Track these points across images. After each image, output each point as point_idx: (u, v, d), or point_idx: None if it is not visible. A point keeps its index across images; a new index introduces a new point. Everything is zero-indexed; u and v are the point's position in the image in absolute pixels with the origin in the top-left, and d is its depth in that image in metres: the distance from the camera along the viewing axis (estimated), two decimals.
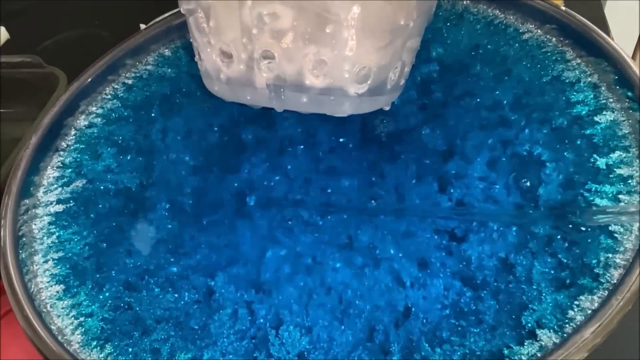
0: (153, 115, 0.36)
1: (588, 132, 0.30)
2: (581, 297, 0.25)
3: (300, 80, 0.29)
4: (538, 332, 0.25)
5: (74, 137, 0.36)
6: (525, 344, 0.25)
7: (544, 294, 0.26)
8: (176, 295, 0.30)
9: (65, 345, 0.28)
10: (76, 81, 0.37)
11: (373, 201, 0.31)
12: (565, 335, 0.24)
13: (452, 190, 0.31)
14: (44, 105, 0.39)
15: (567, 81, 0.32)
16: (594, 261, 0.26)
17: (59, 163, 0.34)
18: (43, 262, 0.31)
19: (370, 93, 0.30)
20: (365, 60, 0.28)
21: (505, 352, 0.25)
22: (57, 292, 0.30)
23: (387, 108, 0.33)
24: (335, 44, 0.28)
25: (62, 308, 0.29)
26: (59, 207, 0.33)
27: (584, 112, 0.31)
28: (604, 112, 0.30)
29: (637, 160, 0.28)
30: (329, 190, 0.32)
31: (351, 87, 0.29)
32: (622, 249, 0.26)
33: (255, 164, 0.34)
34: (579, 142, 0.30)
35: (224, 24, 0.29)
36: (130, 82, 0.38)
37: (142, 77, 0.38)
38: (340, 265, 0.30)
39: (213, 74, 0.31)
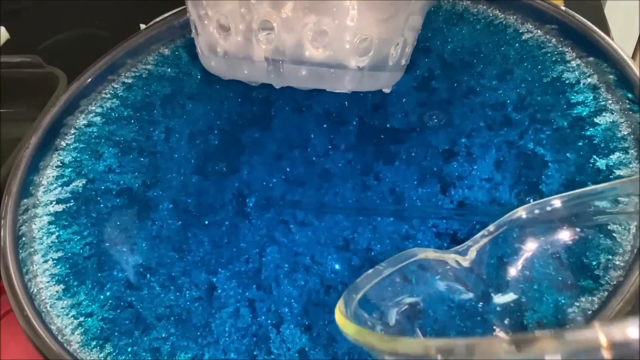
0: (153, 114, 0.36)
1: (588, 133, 0.30)
2: (581, 299, 0.25)
3: (300, 52, 0.28)
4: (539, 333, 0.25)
5: (73, 136, 0.36)
6: None
7: (545, 296, 0.26)
8: (177, 293, 0.30)
9: (65, 345, 0.28)
10: (76, 81, 0.37)
11: (372, 202, 0.31)
12: None
13: (452, 192, 0.31)
14: (44, 105, 0.39)
15: (567, 82, 0.32)
16: (594, 263, 0.26)
17: (59, 162, 0.34)
18: (43, 262, 0.31)
19: (371, 67, 0.29)
20: (366, 31, 0.28)
21: None
22: (57, 291, 0.30)
23: (387, 90, 0.32)
24: (336, 12, 0.27)
25: (62, 308, 0.29)
26: (59, 207, 0.33)
27: (584, 114, 0.31)
28: (604, 114, 0.30)
29: (636, 162, 0.28)
30: (327, 192, 0.32)
31: (352, 60, 0.28)
32: (621, 250, 0.26)
33: (254, 164, 0.34)
34: (580, 144, 0.30)
35: None
36: (129, 81, 0.38)
37: (141, 77, 0.38)
38: (339, 265, 0.30)
39: (210, 48, 0.30)
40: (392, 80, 0.32)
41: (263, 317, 0.28)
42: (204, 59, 0.32)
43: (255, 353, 0.27)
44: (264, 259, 0.30)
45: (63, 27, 0.58)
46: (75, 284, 0.30)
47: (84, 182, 0.34)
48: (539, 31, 0.35)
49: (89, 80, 0.37)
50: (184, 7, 0.34)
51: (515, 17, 0.35)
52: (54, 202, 0.33)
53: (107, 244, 0.32)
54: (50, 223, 0.32)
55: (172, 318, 0.29)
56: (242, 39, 0.28)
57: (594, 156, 0.29)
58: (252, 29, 0.28)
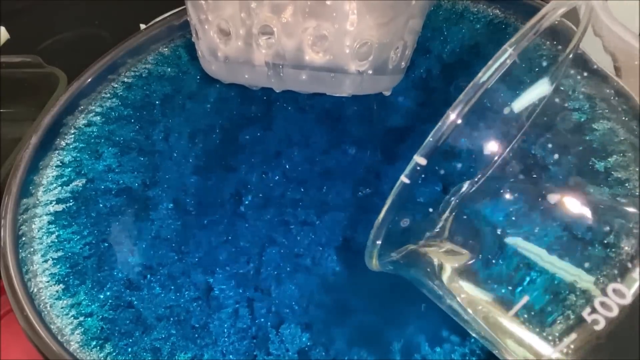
0: (152, 114, 0.36)
1: (587, 137, 0.30)
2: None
3: (300, 57, 0.28)
4: None
5: (73, 136, 0.36)
6: None
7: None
8: (177, 293, 0.30)
9: (64, 345, 0.28)
10: (76, 81, 0.37)
11: (373, 201, 0.31)
12: None
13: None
14: (44, 105, 0.38)
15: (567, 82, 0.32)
16: None
17: (59, 162, 0.34)
18: (43, 262, 0.31)
19: (371, 71, 0.29)
20: (366, 35, 0.28)
21: None
22: (57, 291, 0.30)
23: (387, 93, 0.32)
24: (336, 17, 0.27)
25: (62, 308, 0.29)
26: (59, 207, 0.33)
27: (582, 120, 0.31)
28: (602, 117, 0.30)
29: (633, 164, 0.28)
30: (328, 191, 0.32)
31: (352, 64, 0.28)
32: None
33: (254, 163, 0.34)
34: (580, 147, 0.30)
35: None
36: (129, 81, 0.38)
37: (141, 76, 0.38)
38: (339, 265, 0.30)
39: (210, 52, 0.30)
40: (393, 83, 0.32)
41: (262, 319, 0.28)
42: (204, 63, 0.32)
43: (255, 353, 0.27)
44: (263, 258, 0.30)
45: (63, 27, 0.57)
46: (75, 283, 0.30)
47: (84, 181, 0.34)
48: None
49: (89, 80, 0.37)
50: (184, 7, 0.34)
51: (515, 17, 0.35)
52: (54, 202, 0.33)
53: (107, 244, 0.32)
54: (50, 223, 0.32)
55: (172, 318, 0.29)
56: (243, 43, 0.29)
57: (593, 158, 0.29)
58: (252, 33, 0.28)
